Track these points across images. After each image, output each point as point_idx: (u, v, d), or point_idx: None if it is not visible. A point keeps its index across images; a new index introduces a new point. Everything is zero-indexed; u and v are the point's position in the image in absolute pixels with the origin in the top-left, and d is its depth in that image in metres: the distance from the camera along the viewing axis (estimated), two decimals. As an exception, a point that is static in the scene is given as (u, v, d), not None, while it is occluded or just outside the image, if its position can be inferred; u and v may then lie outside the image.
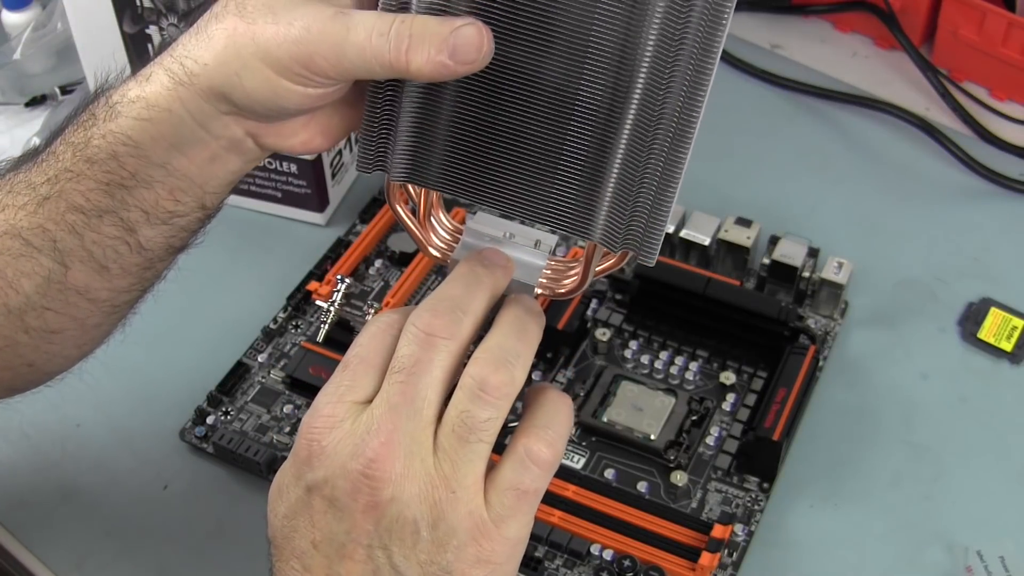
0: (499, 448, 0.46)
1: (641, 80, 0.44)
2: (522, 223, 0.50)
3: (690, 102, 0.45)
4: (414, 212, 0.52)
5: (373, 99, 0.49)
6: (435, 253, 0.52)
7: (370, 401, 0.45)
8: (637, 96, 0.45)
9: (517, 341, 0.46)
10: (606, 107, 0.46)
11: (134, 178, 0.51)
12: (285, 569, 0.46)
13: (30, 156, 0.54)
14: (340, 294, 0.68)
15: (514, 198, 0.48)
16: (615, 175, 0.46)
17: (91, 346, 0.57)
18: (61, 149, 0.52)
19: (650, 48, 0.44)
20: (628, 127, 0.45)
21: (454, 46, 0.45)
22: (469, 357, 0.46)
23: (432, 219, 0.52)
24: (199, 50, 0.49)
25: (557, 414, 0.47)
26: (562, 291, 0.50)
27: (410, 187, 0.51)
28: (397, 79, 0.48)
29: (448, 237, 0.52)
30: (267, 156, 0.54)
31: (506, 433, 0.46)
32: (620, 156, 0.46)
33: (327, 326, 0.67)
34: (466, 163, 0.48)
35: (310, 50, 0.46)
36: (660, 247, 0.47)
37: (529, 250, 0.50)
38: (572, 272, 0.50)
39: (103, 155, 0.51)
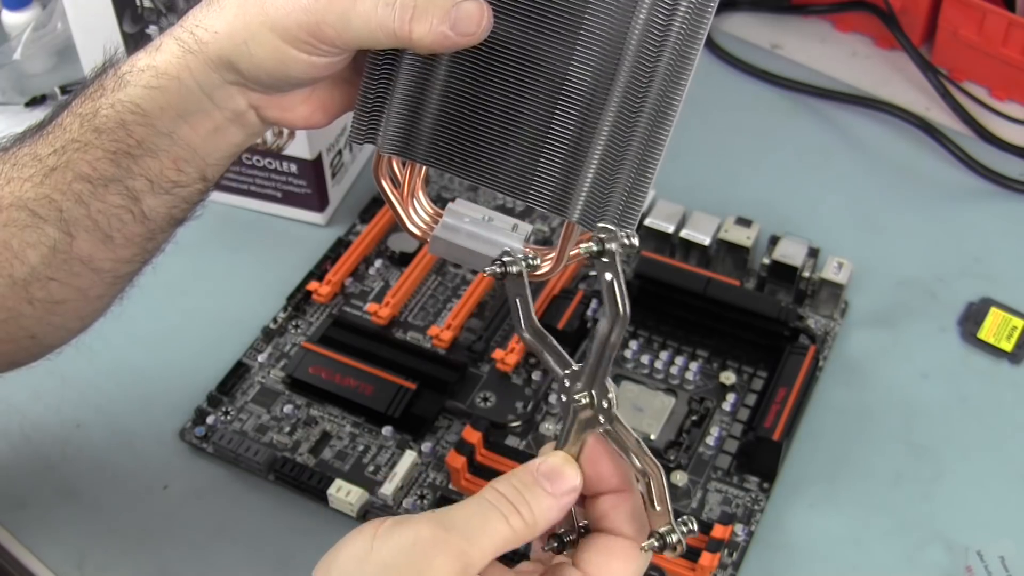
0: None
1: (628, 64, 0.47)
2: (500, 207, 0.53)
3: (671, 89, 0.47)
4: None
5: (371, 70, 0.51)
6: (414, 230, 0.54)
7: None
8: (623, 80, 0.47)
9: None
10: (593, 89, 0.47)
11: (140, 146, 0.52)
12: None
13: (34, 131, 0.55)
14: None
15: (498, 174, 0.50)
16: (597, 157, 0.48)
17: (92, 318, 0.58)
18: (68, 121, 0.53)
19: (638, 33, 0.46)
20: (612, 110, 0.47)
21: (455, 18, 0.47)
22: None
23: (414, 199, 0.54)
24: (210, 19, 0.51)
25: None
26: (538, 273, 0.52)
27: (396, 167, 0.53)
28: (396, 53, 0.50)
29: (428, 218, 0.54)
30: (267, 130, 0.55)
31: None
32: (603, 139, 0.48)
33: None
34: (454, 138, 0.50)
35: (317, 19, 0.48)
36: (634, 231, 0.49)
37: (507, 232, 0.53)
38: (548, 257, 0.52)
39: (111, 124, 0.52)
